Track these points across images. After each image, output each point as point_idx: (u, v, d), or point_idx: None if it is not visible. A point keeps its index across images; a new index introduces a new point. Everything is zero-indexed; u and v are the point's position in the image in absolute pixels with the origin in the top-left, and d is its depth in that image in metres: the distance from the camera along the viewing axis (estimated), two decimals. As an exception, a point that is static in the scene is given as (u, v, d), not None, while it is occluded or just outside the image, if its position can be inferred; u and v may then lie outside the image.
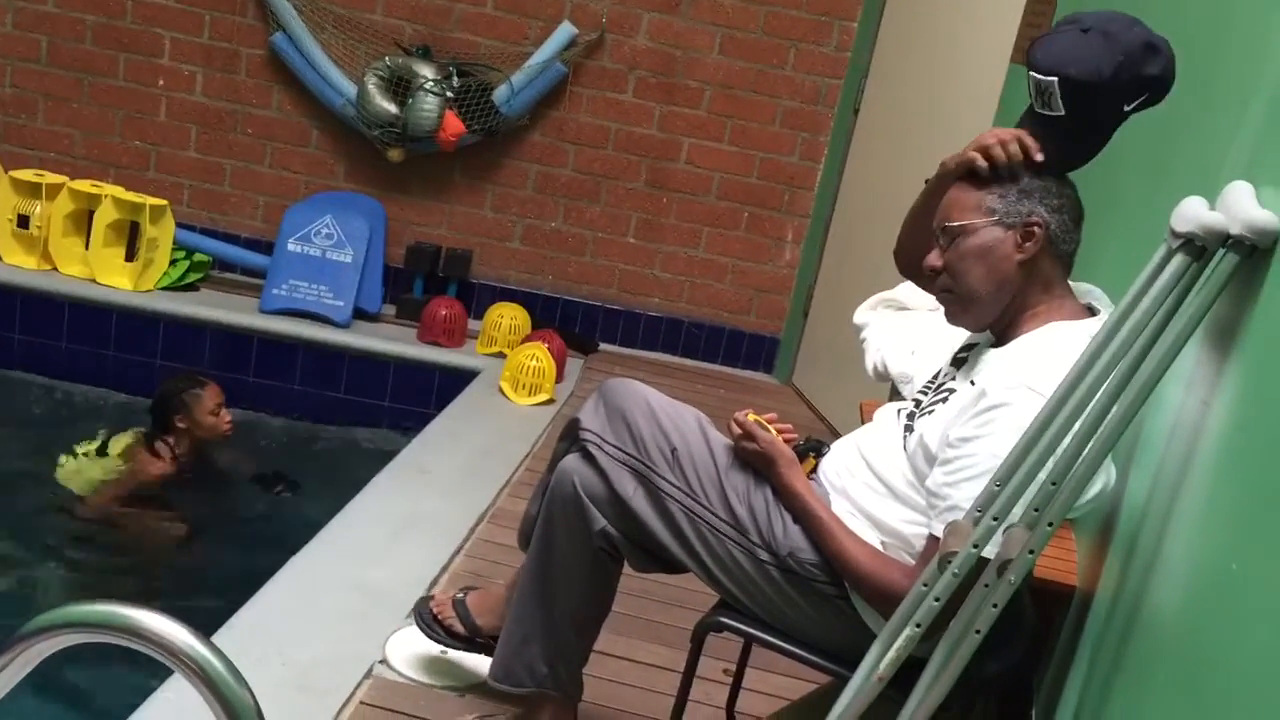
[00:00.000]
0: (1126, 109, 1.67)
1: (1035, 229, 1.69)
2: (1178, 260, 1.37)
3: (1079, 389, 1.41)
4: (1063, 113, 1.68)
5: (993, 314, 1.76)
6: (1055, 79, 1.67)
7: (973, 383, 1.70)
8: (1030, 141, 1.74)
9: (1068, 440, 1.42)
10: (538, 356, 4.17)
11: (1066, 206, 1.72)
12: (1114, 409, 1.39)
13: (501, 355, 4.46)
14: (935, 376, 1.90)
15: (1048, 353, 1.63)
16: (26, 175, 4.45)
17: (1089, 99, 1.66)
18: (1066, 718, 1.73)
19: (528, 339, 4.48)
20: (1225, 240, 1.31)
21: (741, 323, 5.01)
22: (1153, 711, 1.31)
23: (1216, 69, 1.98)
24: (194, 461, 3.68)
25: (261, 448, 4.14)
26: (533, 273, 4.97)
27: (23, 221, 4.40)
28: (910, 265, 1.97)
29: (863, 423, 2.08)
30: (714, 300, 4.99)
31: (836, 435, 2.11)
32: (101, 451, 3.61)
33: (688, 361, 5.00)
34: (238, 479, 3.84)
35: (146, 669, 2.04)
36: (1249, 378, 1.26)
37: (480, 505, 3.22)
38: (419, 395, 4.39)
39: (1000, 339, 1.77)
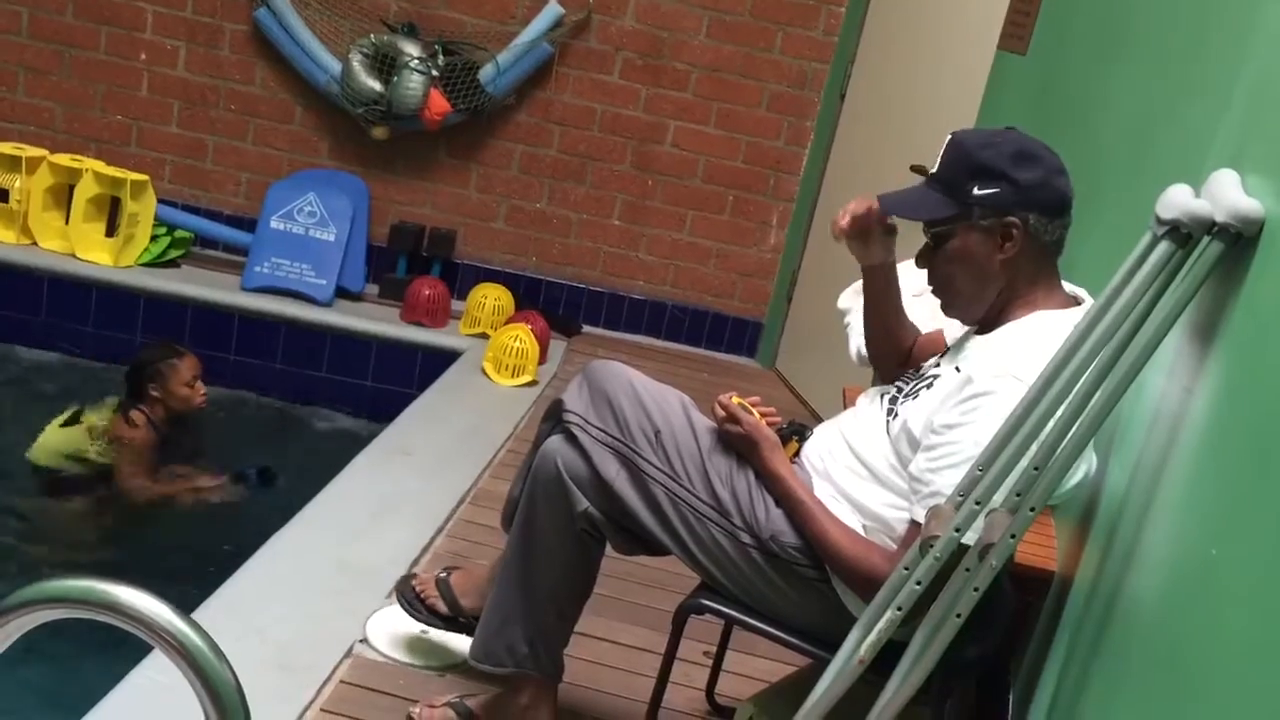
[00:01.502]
0: (975, 191, 1.69)
1: (1014, 230, 1.70)
2: (1162, 247, 1.37)
3: (1063, 375, 1.42)
4: (935, 170, 1.76)
5: (982, 310, 1.78)
6: (949, 138, 1.76)
7: (958, 369, 1.71)
8: (856, 205, 1.91)
9: (1051, 425, 1.43)
10: (521, 338, 4.17)
11: (1048, 198, 1.71)
12: (1097, 395, 1.39)
13: (485, 336, 4.45)
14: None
15: (1033, 341, 1.64)
16: (6, 148, 4.41)
17: (952, 159, 1.73)
18: (1044, 702, 1.74)
19: (511, 320, 4.47)
20: (1210, 228, 1.32)
21: (725, 306, 5.01)
22: (1129, 695, 1.32)
23: (1198, 56, 1.99)
24: (169, 435, 3.65)
25: (239, 429, 4.12)
26: (517, 253, 4.96)
27: (2, 195, 4.36)
28: (882, 355, 2.08)
29: (846, 408, 2.09)
30: (698, 284, 4.99)
31: (819, 420, 2.11)
32: (72, 423, 3.56)
33: (671, 345, 5.00)
34: (215, 461, 3.81)
35: (126, 647, 2.04)
36: (1232, 365, 1.27)
37: (462, 486, 3.22)
38: (401, 375, 4.38)
39: (986, 326, 1.77)
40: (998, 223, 1.70)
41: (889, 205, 1.82)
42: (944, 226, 1.75)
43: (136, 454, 3.51)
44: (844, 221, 1.93)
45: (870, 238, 1.94)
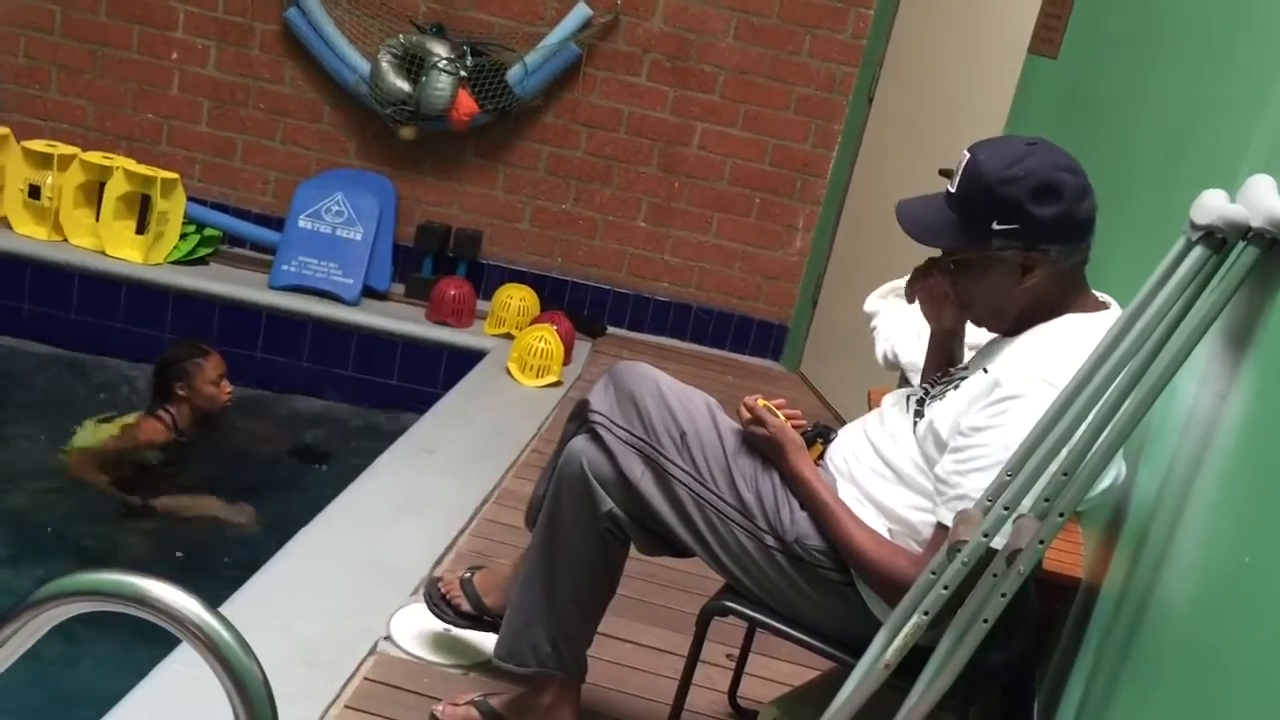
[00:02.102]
0: (995, 226, 1.65)
1: (1035, 264, 1.67)
2: (1196, 253, 1.36)
3: (1094, 380, 1.41)
4: (954, 190, 1.70)
5: (1006, 324, 1.76)
6: (968, 155, 1.69)
7: (986, 370, 1.70)
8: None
9: (1081, 431, 1.42)
10: (546, 338, 4.17)
11: (1070, 230, 1.66)
12: (1128, 400, 1.38)
13: (510, 336, 4.46)
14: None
15: (1063, 345, 1.62)
16: (39, 146, 4.45)
17: (971, 187, 1.67)
18: (1070, 709, 1.73)
19: (536, 320, 4.48)
20: (1246, 233, 1.31)
21: (750, 309, 5.01)
22: (1159, 704, 1.31)
23: (1231, 61, 1.97)
24: (200, 432, 3.68)
25: (281, 423, 4.15)
26: (542, 254, 4.97)
27: (34, 192, 4.40)
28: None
29: (870, 411, 2.08)
30: (723, 286, 4.98)
31: (843, 423, 2.10)
32: (106, 422, 3.62)
33: (695, 347, 5.00)
34: (259, 450, 3.85)
35: (150, 641, 2.05)
36: (1266, 371, 1.26)
37: (486, 485, 3.23)
38: (427, 374, 4.39)
39: (1014, 330, 1.75)
40: (1019, 255, 1.67)
41: (907, 223, 1.76)
42: (962, 255, 1.73)
43: (135, 451, 3.52)
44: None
45: (943, 307, 1.88)
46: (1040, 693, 2.07)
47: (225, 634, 1.05)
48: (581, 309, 4.91)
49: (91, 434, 3.61)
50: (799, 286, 4.96)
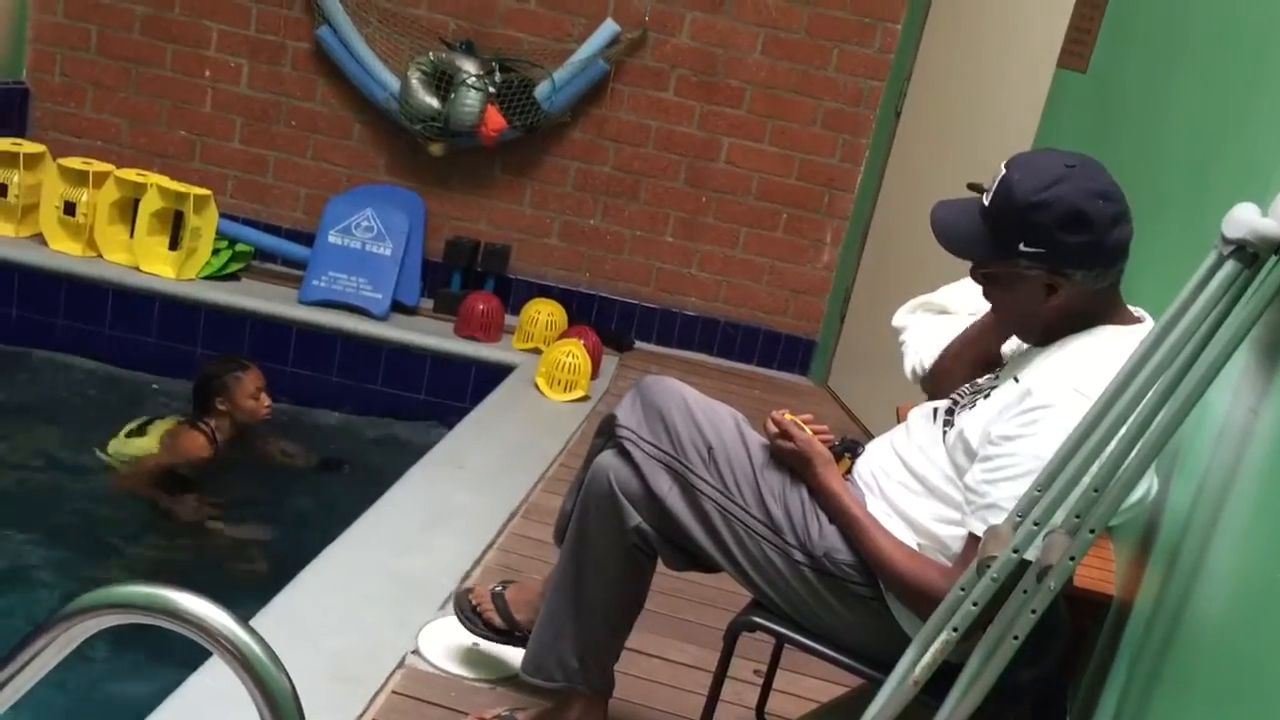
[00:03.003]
0: (1022, 248, 1.64)
1: (1060, 287, 1.67)
2: (1229, 266, 1.35)
3: (1125, 394, 1.40)
4: (987, 203, 1.69)
5: (1037, 335, 1.75)
6: (1004, 171, 1.68)
7: (1016, 379, 1.69)
8: None
9: (1112, 446, 1.41)
10: (574, 353, 4.18)
11: (1097, 258, 1.64)
12: (1159, 416, 1.37)
13: (537, 351, 4.47)
14: (974, 374, 1.89)
15: (1095, 357, 1.61)
16: (74, 163, 4.51)
17: (1003, 205, 1.66)
18: (1102, 728, 1.71)
19: (564, 335, 4.49)
20: (1278, 247, 1.29)
21: (778, 324, 5.00)
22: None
23: (1261, 75, 1.96)
24: (235, 446, 3.71)
25: (312, 437, 4.17)
26: (570, 269, 4.98)
27: (69, 208, 4.46)
28: (939, 389, 1.99)
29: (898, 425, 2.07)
30: (751, 300, 4.98)
31: (871, 438, 2.10)
32: (140, 433, 3.65)
33: (723, 361, 4.99)
34: (287, 465, 3.87)
35: (180, 654, 2.06)
36: (1300, 387, 1.24)
37: (514, 500, 3.23)
38: (455, 389, 4.41)
39: (1046, 340, 1.74)
40: (1044, 276, 1.66)
41: (939, 227, 1.77)
42: (990, 269, 1.73)
43: (181, 465, 3.56)
44: None
45: None
46: (1072, 710, 2.04)
47: (256, 647, 1.05)
48: (609, 324, 4.91)
49: (123, 444, 3.64)
50: (826, 301, 4.94)
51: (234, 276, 4.62)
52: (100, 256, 4.50)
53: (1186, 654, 1.38)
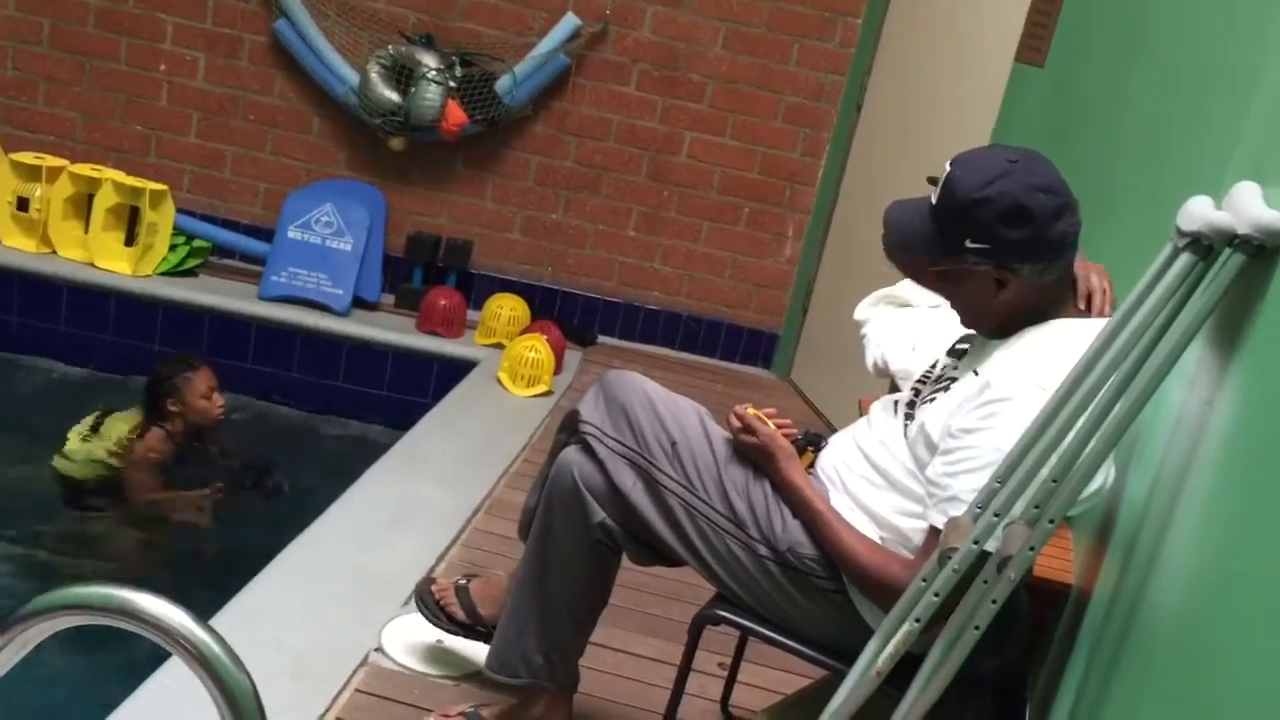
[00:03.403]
0: (968, 244, 1.66)
1: (1008, 280, 1.68)
2: (1183, 259, 1.36)
3: (1082, 386, 1.41)
4: (934, 201, 1.71)
5: (994, 327, 1.76)
6: (948, 168, 1.70)
7: (976, 373, 1.70)
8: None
9: (1070, 438, 1.42)
10: (536, 348, 4.17)
11: (1041, 251, 1.66)
12: (1116, 407, 1.38)
13: (500, 346, 4.46)
14: (933, 366, 1.90)
15: (1054, 350, 1.63)
16: (27, 158, 4.44)
17: (947, 203, 1.68)
18: (1062, 715, 1.73)
19: (526, 330, 4.48)
20: (1232, 240, 1.31)
21: (741, 318, 5.01)
22: (1150, 710, 1.31)
23: (1215, 69, 1.99)
24: (189, 446, 3.67)
25: (254, 438, 4.13)
26: (532, 264, 4.97)
27: (22, 204, 4.39)
28: None
29: (861, 418, 2.08)
30: (713, 295, 4.99)
31: (835, 431, 2.11)
32: (93, 430, 3.59)
33: (686, 355, 5.00)
34: (231, 465, 3.83)
35: (137, 654, 2.04)
36: (1253, 377, 1.26)
37: (477, 495, 3.22)
38: (417, 385, 4.39)
39: (1003, 333, 1.76)
40: (992, 271, 1.68)
41: (891, 227, 1.78)
42: (941, 266, 1.74)
43: (151, 468, 3.53)
44: None
45: None
46: (1032, 699, 2.07)
47: (215, 646, 1.04)
48: (572, 318, 4.91)
49: (77, 446, 3.58)
50: (789, 294, 4.96)
51: (191, 273, 4.57)
52: (54, 253, 4.44)
53: (1144, 642, 1.40)
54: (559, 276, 4.98)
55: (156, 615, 1.04)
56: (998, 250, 1.65)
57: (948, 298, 1.80)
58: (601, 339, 4.94)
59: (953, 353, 1.87)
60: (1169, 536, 1.40)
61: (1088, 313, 1.74)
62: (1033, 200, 1.63)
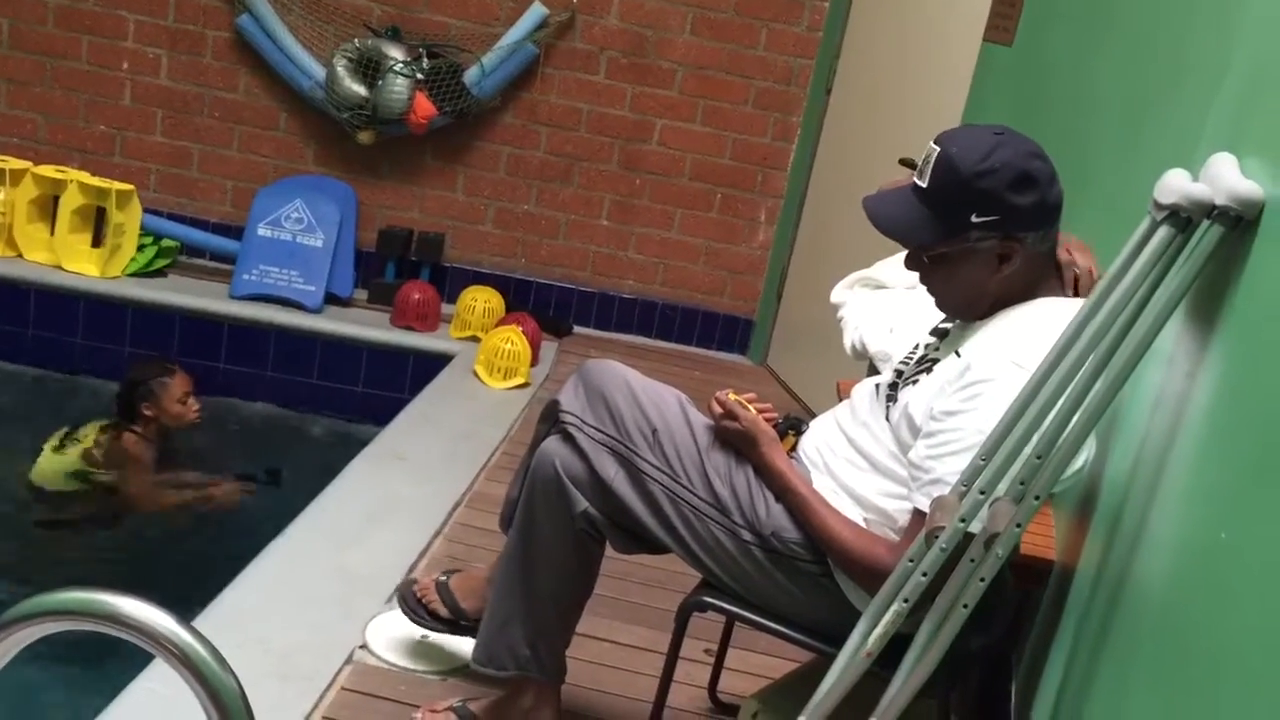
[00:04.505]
0: (974, 219, 1.64)
1: (1014, 252, 1.67)
2: (1162, 232, 1.37)
3: (1064, 362, 1.41)
4: (925, 185, 1.69)
5: (979, 312, 1.75)
6: (937, 149, 1.67)
7: (958, 354, 1.70)
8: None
9: (1053, 414, 1.42)
10: (512, 340, 4.15)
11: (1044, 216, 1.67)
12: (1099, 381, 1.39)
13: (475, 339, 4.43)
14: (916, 347, 1.89)
15: (1034, 328, 1.63)
16: (-11, 161, 4.38)
17: (946, 181, 1.66)
18: (1050, 692, 1.74)
19: (502, 322, 4.46)
20: (1210, 211, 1.32)
21: (715, 304, 5.01)
22: (1139, 682, 1.32)
23: (1186, 41, 1.99)
24: (161, 449, 3.64)
25: (233, 437, 4.10)
26: (506, 256, 4.94)
27: (-14, 208, 4.33)
28: None
29: (840, 401, 2.08)
30: (688, 282, 4.98)
31: (813, 415, 2.11)
32: (64, 445, 3.55)
33: (662, 343, 5.00)
34: (214, 469, 3.80)
35: (119, 659, 2.02)
36: (1235, 347, 1.27)
37: (457, 489, 3.21)
38: (393, 380, 4.36)
39: (985, 313, 1.75)
40: (997, 245, 1.67)
41: (880, 221, 1.74)
42: (940, 249, 1.72)
43: (143, 467, 3.50)
44: None
45: None
46: (1017, 674, 2.08)
47: (201, 649, 1.03)
48: (547, 309, 4.89)
49: (51, 459, 3.54)
50: (763, 280, 4.96)
51: (160, 273, 4.52)
52: (20, 256, 4.38)
53: (1131, 616, 1.40)
54: (532, 267, 4.96)
55: (140, 619, 1.03)
56: (1006, 220, 1.64)
57: (935, 283, 1.77)
58: (577, 329, 4.93)
59: (935, 332, 1.87)
60: (1154, 509, 1.40)
61: (1071, 292, 1.74)
62: (1032, 165, 1.64)
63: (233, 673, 1.03)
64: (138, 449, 3.52)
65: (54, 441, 3.55)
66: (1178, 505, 1.33)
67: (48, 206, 4.38)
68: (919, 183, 1.69)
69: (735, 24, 4.70)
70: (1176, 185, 1.35)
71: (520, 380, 4.13)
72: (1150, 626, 1.33)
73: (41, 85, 4.74)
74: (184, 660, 1.03)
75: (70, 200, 4.31)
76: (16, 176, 4.35)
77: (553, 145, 4.83)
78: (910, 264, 1.77)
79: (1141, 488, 1.47)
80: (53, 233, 4.36)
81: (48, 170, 4.38)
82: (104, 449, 3.51)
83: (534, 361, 4.28)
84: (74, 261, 4.33)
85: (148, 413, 3.56)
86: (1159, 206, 1.38)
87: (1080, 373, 1.40)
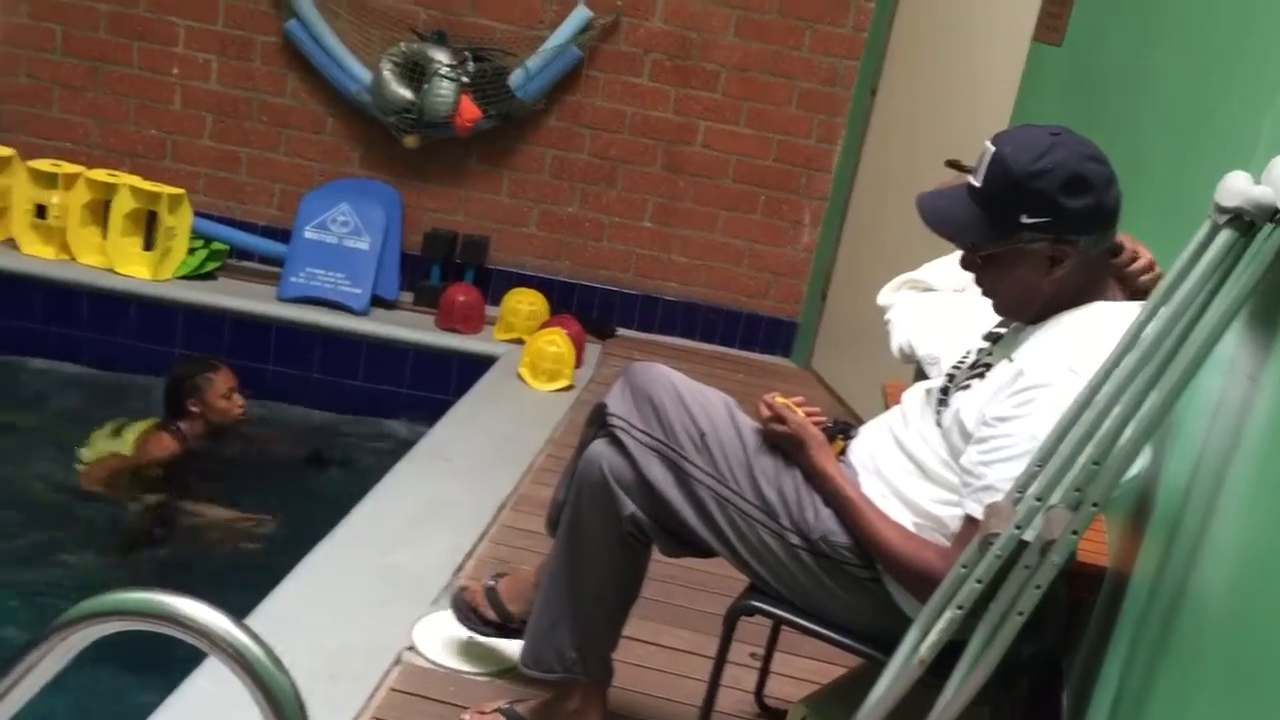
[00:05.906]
0: (1024, 220, 1.62)
1: (1065, 256, 1.65)
2: (1224, 236, 1.34)
3: (1122, 367, 1.39)
4: (979, 184, 1.67)
5: (1032, 313, 1.73)
6: (992, 149, 1.66)
7: (1010, 359, 1.68)
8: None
9: (1110, 419, 1.40)
10: (556, 342, 4.16)
11: (1100, 220, 1.64)
12: (1158, 387, 1.36)
13: (520, 341, 4.45)
14: (968, 352, 1.87)
15: (1089, 333, 1.61)
16: (43, 165, 4.45)
17: (998, 181, 1.64)
18: (1105, 701, 1.71)
19: (546, 325, 4.46)
20: (1273, 215, 1.29)
21: (759, 306, 4.99)
22: (1201, 695, 1.29)
23: (1243, 41, 1.96)
24: (207, 446, 3.68)
25: (296, 436, 4.14)
26: (550, 258, 4.96)
27: (40, 211, 4.40)
28: None
29: (886, 405, 2.06)
30: (731, 284, 4.97)
31: (858, 419, 2.10)
32: (116, 435, 3.62)
33: (705, 346, 4.98)
34: (273, 453, 3.85)
35: (165, 660, 2.04)
36: (1299, 353, 1.24)
37: (502, 491, 3.22)
38: (438, 382, 4.38)
39: (1039, 317, 1.73)
40: (1048, 248, 1.65)
41: (930, 217, 1.73)
42: (991, 249, 1.70)
43: (147, 466, 3.54)
44: None
45: None
46: (1069, 682, 2.05)
47: (256, 649, 1.04)
48: (590, 311, 4.89)
49: (101, 446, 3.61)
50: (807, 282, 4.94)
51: (210, 276, 4.57)
52: (74, 259, 4.44)
53: (1192, 625, 1.38)
54: (576, 270, 4.96)
55: (196, 619, 1.04)
56: (1058, 222, 1.62)
57: (989, 284, 1.75)
58: (620, 331, 4.93)
59: (988, 337, 1.85)
60: (1215, 517, 1.38)
61: (1128, 294, 1.71)
62: (1087, 168, 1.61)
63: (287, 673, 1.04)
64: (160, 451, 3.56)
65: (107, 429, 3.63)
66: (1240, 512, 1.30)
67: (100, 210, 4.44)
68: (973, 182, 1.68)
69: (779, 25, 4.68)
70: (1239, 188, 1.32)
71: (564, 383, 4.13)
72: (1213, 636, 1.30)
73: (93, 90, 4.81)
74: (239, 660, 1.03)
75: (122, 204, 4.37)
76: (70, 181, 4.42)
77: (596, 148, 4.83)
78: (965, 264, 1.75)
79: (1202, 494, 1.45)
80: (105, 236, 4.42)
81: (100, 175, 4.44)
82: (142, 440, 3.56)
83: (578, 364, 4.29)
84: (126, 264, 4.39)
85: (193, 409, 3.61)
86: (1220, 210, 1.35)
87: (1139, 378, 1.38)
